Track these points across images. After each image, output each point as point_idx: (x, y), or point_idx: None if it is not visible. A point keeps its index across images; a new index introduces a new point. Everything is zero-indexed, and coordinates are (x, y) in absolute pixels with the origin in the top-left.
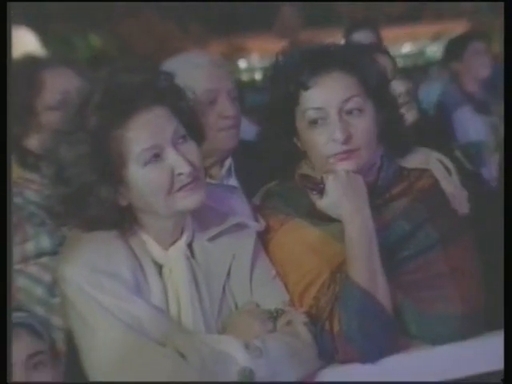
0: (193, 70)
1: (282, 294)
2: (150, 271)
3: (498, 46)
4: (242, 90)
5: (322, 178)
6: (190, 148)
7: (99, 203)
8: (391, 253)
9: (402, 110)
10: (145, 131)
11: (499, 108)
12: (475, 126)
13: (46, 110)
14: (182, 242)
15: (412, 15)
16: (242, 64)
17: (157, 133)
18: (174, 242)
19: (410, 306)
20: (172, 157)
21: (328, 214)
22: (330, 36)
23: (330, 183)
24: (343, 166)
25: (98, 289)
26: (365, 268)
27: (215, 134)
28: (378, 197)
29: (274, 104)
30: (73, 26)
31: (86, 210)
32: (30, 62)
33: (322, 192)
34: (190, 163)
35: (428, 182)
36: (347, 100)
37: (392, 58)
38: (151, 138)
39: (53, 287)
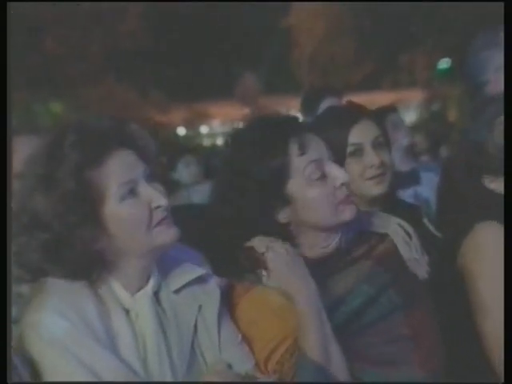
0: None
1: (250, 358)
2: (119, 318)
3: (454, 113)
4: (205, 155)
5: (263, 257)
6: (159, 186)
7: (78, 246)
8: (355, 317)
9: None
10: (119, 168)
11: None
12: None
13: (14, 178)
14: (148, 288)
15: (370, 83)
16: (204, 130)
17: (129, 169)
18: (140, 288)
19: (370, 372)
20: (147, 190)
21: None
22: (289, 103)
23: (272, 263)
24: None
25: (67, 338)
26: (316, 340)
27: None
28: (339, 259)
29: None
30: (34, 94)
31: (64, 255)
32: None
33: (265, 268)
34: (165, 197)
35: (388, 246)
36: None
37: None
38: (125, 173)
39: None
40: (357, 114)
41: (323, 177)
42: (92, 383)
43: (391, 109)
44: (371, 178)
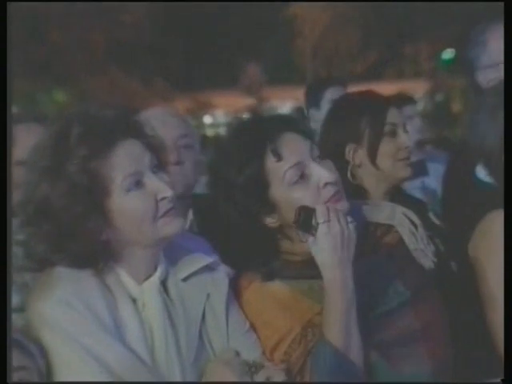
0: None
1: (258, 346)
2: (126, 307)
3: (458, 105)
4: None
5: (317, 222)
6: (165, 176)
7: (85, 237)
8: (364, 311)
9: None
10: (125, 159)
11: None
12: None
13: (17, 165)
14: (155, 277)
15: (374, 74)
16: (207, 120)
17: (135, 160)
18: (147, 278)
19: (382, 364)
20: (153, 182)
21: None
22: (293, 93)
23: (323, 231)
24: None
25: (74, 326)
26: (341, 328)
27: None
28: None
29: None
30: (37, 83)
31: (71, 245)
32: None
33: (313, 234)
34: (171, 188)
35: (395, 237)
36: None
37: None
38: (131, 165)
39: None
40: (387, 99)
41: (305, 178)
42: (93, 383)
43: (411, 100)
44: (403, 160)
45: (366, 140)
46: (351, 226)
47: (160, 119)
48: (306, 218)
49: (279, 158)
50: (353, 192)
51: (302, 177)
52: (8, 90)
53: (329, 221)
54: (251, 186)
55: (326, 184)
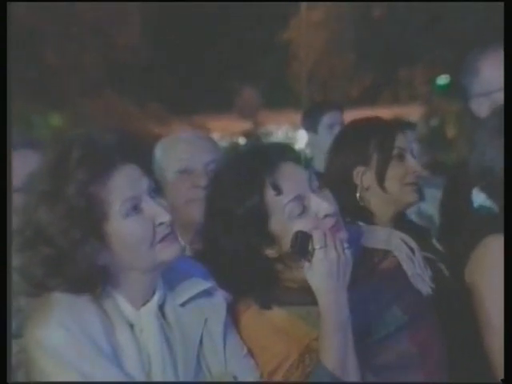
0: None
1: (256, 371)
2: (124, 332)
3: (453, 130)
4: None
5: (313, 248)
6: (163, 201)
7: (82, 261)
8: (361, 335)
9: None
10: (123, 184)
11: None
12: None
13: (13, 193)
14: (153, 303)
15: (369, 98)
16: None
17: (134, 185)
18: (145, 303)
19: None
20: (151, 207)
21: (308, 282)
22: (288, 116)
23: (319, 256)
24: None
25: (71, 352)
26: (336, 352)
27: (184, 204)
28: None
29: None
30: (33, 106)
31: (68, 270)
32: None
33: (309, 260)
34: (168, 213)
35: (392, 262)
36: None
37: None
38: (129, 190)
39: (16, 369)
40: (395, 124)
41: (305, 210)
42: (89, 383)
43: (410, 125)
44: (410, 184)
45: (374, 163)
46: (348, 252)
47: (192, 143)
48: (302, 243)
49: (279, 191)
50: (360, 215)
51: (302, 209)
52: (8, 89)
53: (325, 246)
54: (251, 219)
55: (326, 216)
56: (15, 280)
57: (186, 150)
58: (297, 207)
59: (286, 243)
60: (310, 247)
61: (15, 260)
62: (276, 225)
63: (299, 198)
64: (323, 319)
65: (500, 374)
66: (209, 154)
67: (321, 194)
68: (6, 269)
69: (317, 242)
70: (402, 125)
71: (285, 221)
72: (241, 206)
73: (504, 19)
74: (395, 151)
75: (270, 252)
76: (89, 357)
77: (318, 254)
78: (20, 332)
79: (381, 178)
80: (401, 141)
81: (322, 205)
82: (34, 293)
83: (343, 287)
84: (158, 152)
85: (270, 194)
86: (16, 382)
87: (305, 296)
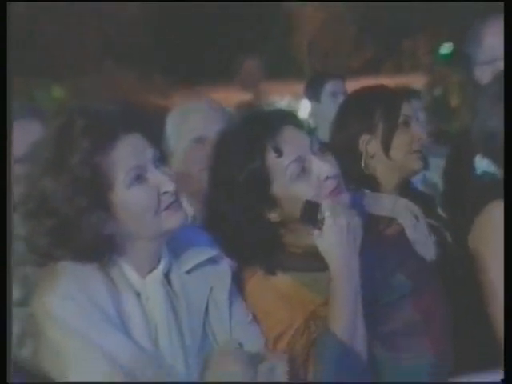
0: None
1: (261, 337)
2: (130, 300)
3: (456, 99)
4: None
5: (323, 217)
6: (167, 170)
7: (88, 231)
8: (367, 302)
9: None
10: (127, 153)
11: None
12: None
13: (14, 164)
14: (159, 270)
15: (371, 68)
16: None
17: (138, 154)
18: (151, 271)
19: (385, 355)
20: (155, 176)
21: (318, 249)
22: (290, 87)
23: (328, 224)
24: None
25: (78, 319)
26: (346, 319)
27: (198, 173)
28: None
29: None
30: (35, 80)
31: (74, 239)
32: None
33: (319, 228)
34: (173, 181)
35: (396, 229)
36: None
37: None
38: (134, 159)
39: (22, 338)
40: (401, 92)
41: (306, 173)
42: (92, 383)
43: (416, 94)
44: (416, 152)
45: (380, 132)
46: (357, 218)
47: (205, 112)
48: (311, 213)
49: (280, 153)
50: (365, 183)
51: (303, 171)
52: (8, 88)
53: (334, 214)
54: (253, 183)
55: (327, 178)
56: (21, 250)
57: (200, 119)
58: (298, 169)
59: (288, 206)
60: (319, 216)
61: (20, 230)
62: (278, 188)
63: (300, 160)
64: (335, 285)
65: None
66: (221, 122)
67: (322, 157)
68: (6, 268)
69: (326, 210)
70: (407, 93)
71: (286, 183)
72: (242, 171)
73: (504, 19)
74: (401, 119)
75: (273, 216)
76: (96, 325)
77: (328, 222)
78: (26, 301)
79: (386, 146)
80: (406, 109)
81: (323, 167)
82: (40, 262)
83: (354, 253)
84: (171, 121)
85: (271, 157)
86: (16, 382)
87: (310, 262)
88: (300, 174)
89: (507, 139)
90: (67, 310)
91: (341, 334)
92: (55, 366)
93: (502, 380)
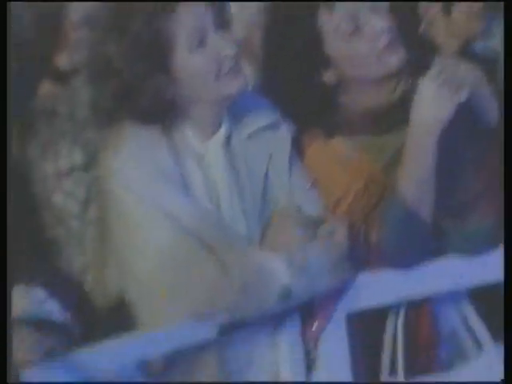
0: None
1: (320, 202)
2: (192, 163)
3: None
4: None
5: None
6: (228, 35)
7: (150, 93)
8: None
9: None
10: (189, 16)
11: None
12: None
13: (74, 27)
14: (220, 134)
15: None
16: None
17: (199, 19)
18: (212, 135)
19: (451, 221)
20: (216, 40)
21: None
22: None
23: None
24: None
25: (144, 183)
26: (417, 181)
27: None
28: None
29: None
30: None
31: (137, 101)
32: None
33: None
34: (234, 46)
35: None
36: None
37: None
38: (195, 23)
39: (87, 201)
40: None
41: (359, 29)
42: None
43: None
44: (476, 11)
45: None
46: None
47: None
48: None
49: (331, 10)
50: (425, 47)
51: (356, 27)
52: (8, 88)
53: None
54: (308, 42)
55: (381, 32)
56: (81, 115)
57: None
58: (349, 25)
59: (343, 66)
60: None
61: (83, 94)
62: (331, 46)
63: (353, 16)
64: (411, 149)
65: None
66: None
67: (375, 13)
68: (6, 268)
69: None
70: None
71: (339, 41)
72: (297, 31)
73: (504, 19)
74: None
75: (328, 78)
76: (159, 186)
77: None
78: (90, 165)
79: (447, 9)
80: None
81: (375, 21)
82: (105, 123)
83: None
84: None
85: (323, 14)
86: (16, 382)
87: (368, 126)
88: (352, 31)
89: (507, 139)
90: (131, 171)
91: (408, 194)
92: (123, 234)
93: (502, 380)
